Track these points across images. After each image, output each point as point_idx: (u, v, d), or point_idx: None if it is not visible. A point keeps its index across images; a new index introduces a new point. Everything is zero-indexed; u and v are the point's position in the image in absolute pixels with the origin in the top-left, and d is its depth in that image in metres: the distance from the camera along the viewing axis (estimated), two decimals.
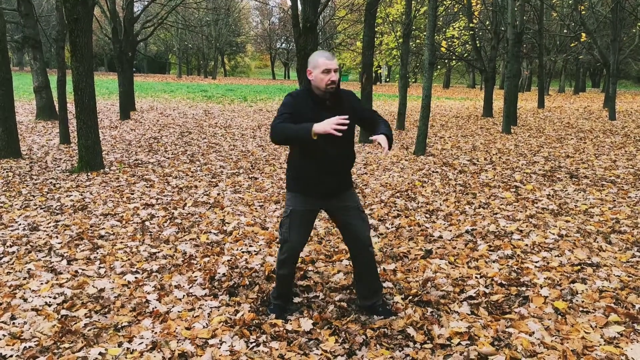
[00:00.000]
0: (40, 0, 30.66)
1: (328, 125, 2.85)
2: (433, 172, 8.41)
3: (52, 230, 5.25)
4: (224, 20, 52.20)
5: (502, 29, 17.92)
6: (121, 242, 4.93)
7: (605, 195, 6.71)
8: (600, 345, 3.05)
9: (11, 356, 2.96)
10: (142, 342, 3.11)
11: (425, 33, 12.64)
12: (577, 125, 16.11)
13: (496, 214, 5.90)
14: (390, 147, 3.04)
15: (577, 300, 3.63)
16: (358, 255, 3.38)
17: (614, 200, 6.46)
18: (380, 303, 3.46)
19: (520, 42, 15.86)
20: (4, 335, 3.17)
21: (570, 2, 22.68)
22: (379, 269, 4.17)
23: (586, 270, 4.18)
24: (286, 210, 3.29)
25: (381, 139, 3.01)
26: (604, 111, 22.03)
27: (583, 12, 20.88)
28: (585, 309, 3.50)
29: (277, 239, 3.41)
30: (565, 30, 27.43)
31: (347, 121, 2.88)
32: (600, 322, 3.30)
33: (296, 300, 3.66)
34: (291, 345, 3.08)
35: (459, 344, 3.09)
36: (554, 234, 5.13)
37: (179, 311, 3.51)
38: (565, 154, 10.34)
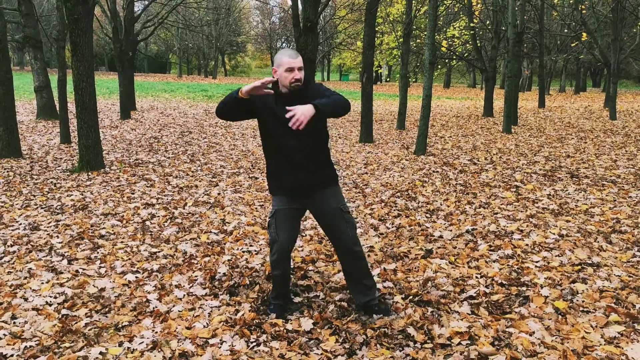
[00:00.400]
0: (41, 0, 30.67)
1: (256, 81, 2.96)
2: (433, 171, 8.41)
3: (52, 230, 5.26)
4: (224, 20, 52.19)
5: (503, 28, 17.92)
6: (122, 242, 4.93)
7: (606, 195, 6.71)
8: (600, 345, 3.05)
9: (12, 355, 2.97)
10: (142, 342, 3.11)
11: (425, 33, 12.65)
12: (578, 125, 16.10)
13: (496, 213, 5.90)
14: (320, 112, 2.84)
15: (577, 300, 3.63)
16: (343, 256, 3.39)
17: (615, 200, 6.46)
18: (375, 301, 3.44)
19: (520, 42, 15.86)
20: (4, 335, 3.17)
21: (570, 1, 22.68)
22: (379, 269, 4.18)
23: (587, 270, 4.18)
24: (271, 211, 3.33)
25: (296, 108, 2.82)
26: (605, 111, 22.02)
27: (584, 12, 20.86)
28: (585, 309, 3.50)
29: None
30: (565, 30, 27.43)
31: (273, 80, 2.98)
32: (600, 322, 3.30)
33: (296, 299, 3.66)
34: (291, 344, 3.08)
35: (459, 343, 3.09)
36: (554, 233, 5.13)
37: (179, 311, 3.51)
38: (566, 153, 10.34)
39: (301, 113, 2.79)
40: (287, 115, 2.83)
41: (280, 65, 3.06)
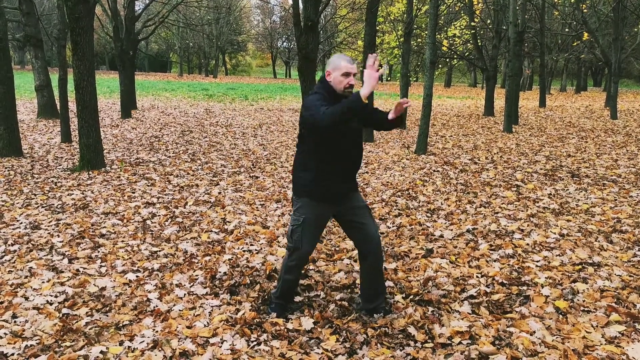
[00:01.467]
0: None
1: (371, 80, 2.81)
2: (434, 171, 8.41)
3: (53, 229, 5.26)
4: (225, 19, 52.16)
5: (504, 27, 17.90)
6: (122, 241, 4.93)
7: (607, 195, 6.70)
8: (601, 344, 3.05)
9: (12, 354, 2.97)
10: (143, 341, 3.11)
11: (426, 32, 12.63)
12: (579, 125, 16.09)
13: (497, 213, 5.90)
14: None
15: (578, 300, 3.63)
16: (369, 255, 3.31)
17: (616, 200, 6.45)
18: (382, 306, 3.44)
19: (521, 41, 15.84)
20: (5, 334, 3.18)
21: (572, 0, 22.65)
22: None
23: (587, 270, 4.18)
24: (298, 218, 3.20)
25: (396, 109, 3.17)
26: (606, 110, 22.00)
27: (585, 11, 20.84)
28: (586, 309, 3.50)
29: (286, 245, 3.36)
30: (567, 29, 27.39)
31: (383, 70, 2.91)
32: (601, 322, 3.30)
33: (297, 299, 3.66)
34: (292, 344, 3.09)
35: (459, 343, 3.09)
36: (555, 233, 5.12)
37: (180, 310, 3.51)
38: (567, 153, 10.33)
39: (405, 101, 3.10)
40: (404, 103, 3.08)
41: (338, 69, 3.06)
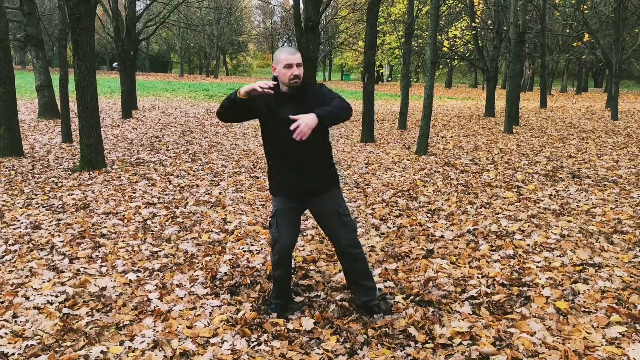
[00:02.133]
0: None
1: (256, 83, 2.95)
2: (435, 171, 8.41)
3: (54, 229, 5.26)
4: (225, 19, 52.17)
5: (505, 28, 17.90)
6: (123, 241, 4.93)
7: (608, 196, 6.70)
8: (602, 345, 3.05)
9: (13, 354, 2.97)
10: (143, 341, 3.11)
11: (427, 32, 12.64)
12: (580, 125, 16.09)
13: (498, 213, 5.90)
14: (323, 121, 2.86)
15: (578, 301, 3.63)
16: (341, 257, 3.41)
17: (616, 201, 6.45)
18: (375, 302, 3.43)
19: (522, 42, 15.84)
20: (5, 334, 3.18)
21: (572, 1, 22.64)
22: (380, 269, 4.18)
23: (588, 271, 4.17)
24: (272, 211, 3.32)
25: (300, 118, 2.82)
26: (607, 111, 21.99)
27: (586, 12, 20.83)
28: (587, 309, 3.50)
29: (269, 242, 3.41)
30: (567, 30, 27.37)
31: (273, 83, 2.97)
32: (602, 323, 3.30)
33: (297, 299, 3.66)
34: (292, 344, 3.08)
35: (460, 343, 3.09)
36: (555, 234, 5.12)
37: (180, 310, 3.51)
38: (568, 153, 10.33)
39: (305, 124, 2.80)
40: (292, 127, 2.81)
41: (279, 62, 3.06)
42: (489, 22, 21.03)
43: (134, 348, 3.04)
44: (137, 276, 4.09)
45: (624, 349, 3.00)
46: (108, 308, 3.55)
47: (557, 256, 4.51)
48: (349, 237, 3.28)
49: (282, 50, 3.12)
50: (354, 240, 3.31)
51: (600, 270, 4.17)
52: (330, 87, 3.23)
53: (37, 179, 7.58)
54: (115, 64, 66.00)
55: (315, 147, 3.16)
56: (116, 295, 3.74)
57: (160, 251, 4.67)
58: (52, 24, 31.75)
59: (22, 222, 5.45)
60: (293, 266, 4.09)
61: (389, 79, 56.02)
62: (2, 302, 3.60)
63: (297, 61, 3.04)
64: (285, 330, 3.24)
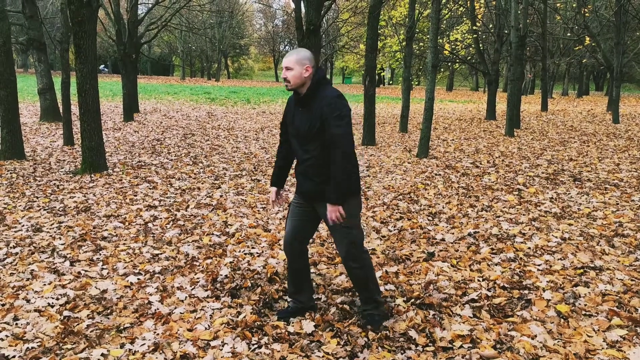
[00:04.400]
0: (45, 2, 30.80)
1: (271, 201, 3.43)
2: (436, 174, 8.41)
3: (55, 232, 5.27)
4: (227, 23, 52.31)
5: (506, 32, 17.91)
6: (124, 244, 4.94)
7: (609, 199, 6.69)
8: (602, 348, 3.04)
9: (14, 357, 2.97)
10: (144, 344, 3.11)
11: (428, 36, 12.66)
12: (581, 129, 16.09)
13: (499, 216, 5.90)
14: (336, 201, 3.02)
15: (579, 304, 3.62)
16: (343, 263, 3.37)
17: (617, 204, 6.45)
18: (369, 312, 3.34)
19: (523, 45, 15.85)
20: (6, 336, 3.18)
21: (574, 5, 22.67)
22: (380, 272, 4.17)
23: (589, 274, 4.17)
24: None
25: (329, 214, 3.05)
26: (608, 114, 21.98)
27: (587, 16, 20.86)
28: (587, 313, 3.49)
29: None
30: (568, 34, 27.41)
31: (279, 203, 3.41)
32: (602, 326, 3.29)
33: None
34: (293, 347, 3.08)
35: (461, 346, 3.08)
36: (556, 237, 5.12)
37: (181, 313, 3.52)
38: (569, 157, 10.32)
39: (334, 214, 3.03)
40: (330, 221, 3.06)
41: None
42: (490, 25, 21.05)
43: (135, 351, 3.04)
44: (138, 279, 4.09)
45: (624, 352, 3.00)
46: (109, 311, 3.55)
47: (558, 259, 4.51)
48: (345, 249, 3.19)
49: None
50: (350, 252, 3.18)
51: (601, 274, 4.17)
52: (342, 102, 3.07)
53: (39, 181, 7.59)
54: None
55: (314, 156, 3.11)
56: (117, 298, 3.74)
57: (161, 254, 4.67)
58: (55, 27, 31.84)
59: (23, 225, 5.46)
60: None
61: (390, 82, 56.08)
62: (3, 305, 3.61)
63: (285, 64, 3.08)
64: (286, 333, 3.24)
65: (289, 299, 3.56)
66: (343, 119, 2.97)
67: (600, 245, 4.87)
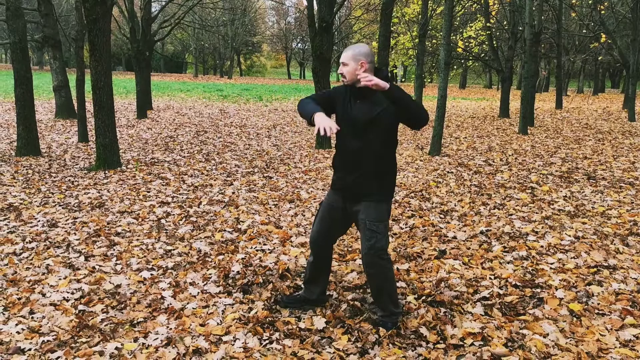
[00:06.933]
0: (60, 0, 31.09)
1: (322, 122, 2.89)
2: (448, 172, 8.37)
3: (70, 227, 5.34)
4: (240, 20, 52.40)
5: (520, 28, 17.76)
6: (137, 239, 4.99)
7: (623, 197, 6.62)
8: (615, 347, 3.02)
9: (29, 350, 3.02)
10: (157, 338, 3.15)
11: (441, 33, 12.59)
12: (596, 127, 15.91)
13: (511, 215, 5.86)
14: (390, 92, 2.87)
15: (592, 303, 3.60)
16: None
17: (632, 203, 6.38)
18: (382, 320, 3.30)
19: (538, 42, 15.71)
20: (22, 329, 3.24)
21: (589, 1, 22.39)
22: None
23: (602, 273, 4.14)
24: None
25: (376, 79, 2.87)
26: (623, 112, 21.71)
27: (602, 12, 20.58)
28: (600, 312, 3.47)
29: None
30: (584, 30, 27.08)
31: (333, 130, 2.87)
32: (615, 325, 3.27)
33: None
34: (304, 343, 3.10)
35: (472, 344, 3.08)
36: (570, 235, 5.08)
37: (193, 308, 3.55)
38: (583, 155, 10.22)
39: (376, 79, 2.84)
40: (366, 79, 2.84)
41: None
42: (504, 22, 20.87)
43: (148, 345, 3.08)
44: (151, 274, 4.14)
45: (637, 351, 2.98)
46: (122, 305, 3.59)
47: (571, 258, 4.48)
48: (363, 252, 3.16)
49: None
50: (367, 255, 3.14)
51: (614, 273, 4.13)
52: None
53: (54, 177, 7.69)
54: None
55: (372, 150, 3.11)
56: (130, 293, 3.79)
57: (173, 250, 4.72)
58: (69, 25, 32.16)
59: (39, 220, 5.54)
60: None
61: (403, 80, 55.84)
62: (20, 299, 3.67)
63: (342, 60, 3.12)
64: (297, 329, 3.26)
65: (302, 286, 3.58)
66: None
67: (615, 244, 4.82)
